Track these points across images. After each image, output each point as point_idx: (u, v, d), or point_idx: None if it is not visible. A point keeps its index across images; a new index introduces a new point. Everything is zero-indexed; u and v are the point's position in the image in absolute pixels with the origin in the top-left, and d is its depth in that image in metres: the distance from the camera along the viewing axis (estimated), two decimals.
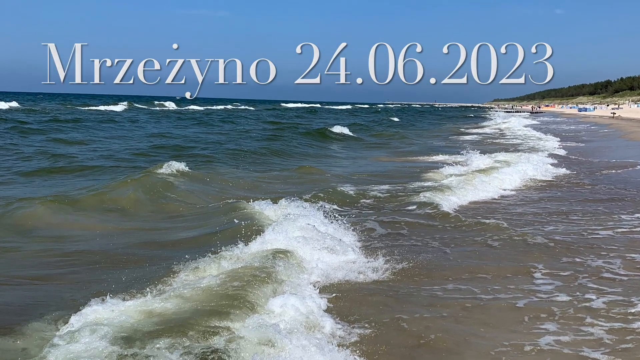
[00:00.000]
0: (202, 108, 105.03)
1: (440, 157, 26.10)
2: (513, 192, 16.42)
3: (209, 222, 12.01)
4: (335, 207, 13.42)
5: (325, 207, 12.09)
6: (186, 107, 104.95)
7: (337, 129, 43.77)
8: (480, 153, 23.69)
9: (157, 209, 13.72)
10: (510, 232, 11.07)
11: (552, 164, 22.14)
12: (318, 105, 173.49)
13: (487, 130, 56.61)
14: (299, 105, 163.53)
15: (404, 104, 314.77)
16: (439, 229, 11.78)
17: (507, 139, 42.04)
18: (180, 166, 17.91)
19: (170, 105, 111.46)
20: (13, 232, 10.98)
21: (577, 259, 9.51)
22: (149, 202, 14.14)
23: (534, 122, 74.93)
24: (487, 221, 12.10)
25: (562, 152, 28.96)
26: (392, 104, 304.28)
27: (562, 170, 20.70)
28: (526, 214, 13.36)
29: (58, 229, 11.44)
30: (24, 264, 9.13)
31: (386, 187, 16.70)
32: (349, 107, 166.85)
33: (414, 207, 13.70)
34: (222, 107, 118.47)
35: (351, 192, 15.54)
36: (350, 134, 42.92)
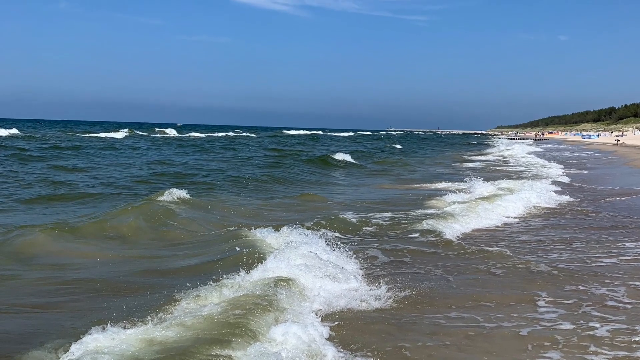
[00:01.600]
0: (203, 135, 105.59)
1: (443, 185, 26.05)
2: (516, 220, 16.37)
3: (210, 250, 11.97)
4: (337, 234, 13.38)
5: (327, 234, 12.06)
6: (187, 134, 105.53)
7: (339, 156, 43.75)
8: (483, 180, 23.67)
9: (158, 236, 13.69)
10: (514, 260, 11.02)
11: (555, 192, 22.09)
12: (320, 132, 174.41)
13: (490, 157, 56.63)
14: (301, 132, 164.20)
15: (407, 131, 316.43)
16: (442, 256, 11.72)
17: (510, 166, 42.00)
18: (182, 193, 17.91)
19: (171, 132, 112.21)
20: (13, 259, 10.96)
21: (581, 287, 9.45)
22: (150, 229, 14.11)
23: (538, 149, 74.95)
24: (491, 249, 12.05)
25: (566, 180, 28.88)
26: (394, 131, 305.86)
27: (566, 198, 20.65)
28: (530, 241, 13.31)
29: (58, 257, 11.41)
30: (24, 291, 9.09)
31: (389, 214, 16.66)
32: (351, 134, 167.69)
33: (417, 234, 13.66)
34: (223, 134, 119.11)
35: (353, 220, 15.51)
36: (353, 161, 42.90)
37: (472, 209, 16.70)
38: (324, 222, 14.59)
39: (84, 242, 12.60)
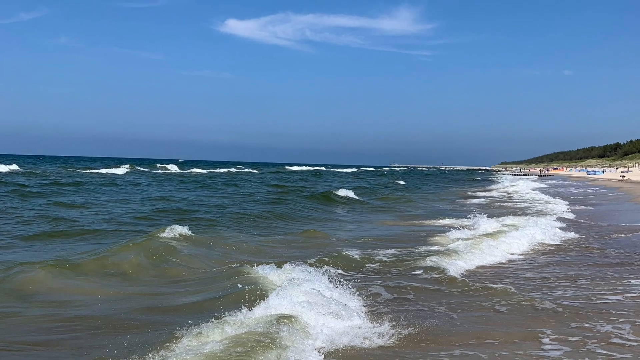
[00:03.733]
0: (205, 171, 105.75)
1: (447, 221, 26.00)
2: (521, 257, 16.29)
3: (212, 287, 11.90)
4: (340, 271, 13.32)
5: (330, 271, 12.01)
6: (189, 170, 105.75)
7: (342, 192, 43.71)
8: (487, 217, 23.66)
9: (159, 273, 13.63)
10: (518, 297, 10.93)
11: (560, 228, 22.05)
12: (323, 168, 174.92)
13: (494, 193, 56.53)
14: (303, 168, 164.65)
15: (410, 167, 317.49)
16: (446, 293, 11.64)
17: (514, 202, 41.89)
18: (183, 230, 17.89)
19: (173, 168, 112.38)
20: (13, 297, 10.89)
21: (586, 324, 9.36)
22: (151, 266, 14.06)
23: (542, 185, 74.91)
24: (495, 286, 11.97)
25: (571, 216, 28.82)
26: (398, 167, 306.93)
27: (571, 234, 20.59)
28: (534, 278, 13.23)
29: (59, 294, 11.34)
30: (25, 329, 9.02)
31: (392, 251, 16.60)
32: (354, 169, 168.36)
33: (421, 271, 13.58)
34: (225, 170, 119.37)
35: (356, 257, 15.44)
36: (356, 197, 42.87)
37: (476, 245, 16.63)
38: (327, 259, 14.53)
39: (84, 279, 12.53)
